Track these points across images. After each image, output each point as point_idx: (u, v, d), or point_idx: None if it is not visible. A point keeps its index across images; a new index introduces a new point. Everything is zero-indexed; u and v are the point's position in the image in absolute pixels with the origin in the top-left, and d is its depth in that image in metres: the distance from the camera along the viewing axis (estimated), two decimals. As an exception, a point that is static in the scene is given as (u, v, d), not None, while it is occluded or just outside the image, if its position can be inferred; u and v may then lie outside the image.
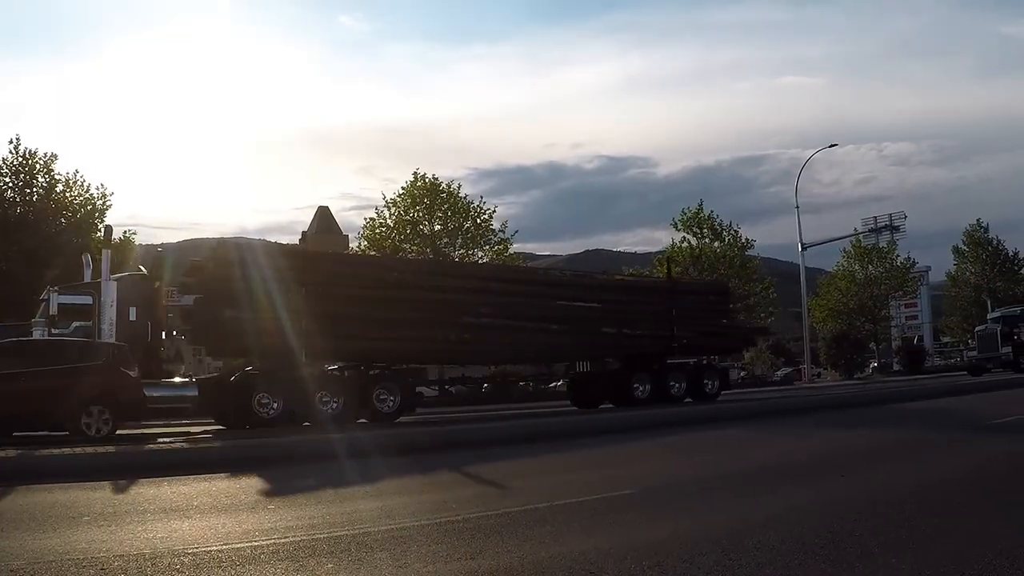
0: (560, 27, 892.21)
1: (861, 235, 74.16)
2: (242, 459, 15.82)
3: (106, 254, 22.84)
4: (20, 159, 44.51)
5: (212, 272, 24.34)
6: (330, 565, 6.89)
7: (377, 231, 55.51)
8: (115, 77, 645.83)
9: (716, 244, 67.03)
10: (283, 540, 7.99)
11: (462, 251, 54.90)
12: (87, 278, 24.91)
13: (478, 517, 8.87)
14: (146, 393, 20.83)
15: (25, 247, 41.17)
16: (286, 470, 14.54)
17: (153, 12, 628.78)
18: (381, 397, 24.60)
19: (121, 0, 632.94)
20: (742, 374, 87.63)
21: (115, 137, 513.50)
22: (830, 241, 76.18)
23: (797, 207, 69.55)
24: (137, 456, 15.95)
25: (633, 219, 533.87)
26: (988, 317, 59.25)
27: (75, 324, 22.52)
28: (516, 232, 58.23)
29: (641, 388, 30.25)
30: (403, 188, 56.20)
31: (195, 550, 7.57)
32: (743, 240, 68.17)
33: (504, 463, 15.40)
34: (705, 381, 31.90)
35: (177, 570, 6.83)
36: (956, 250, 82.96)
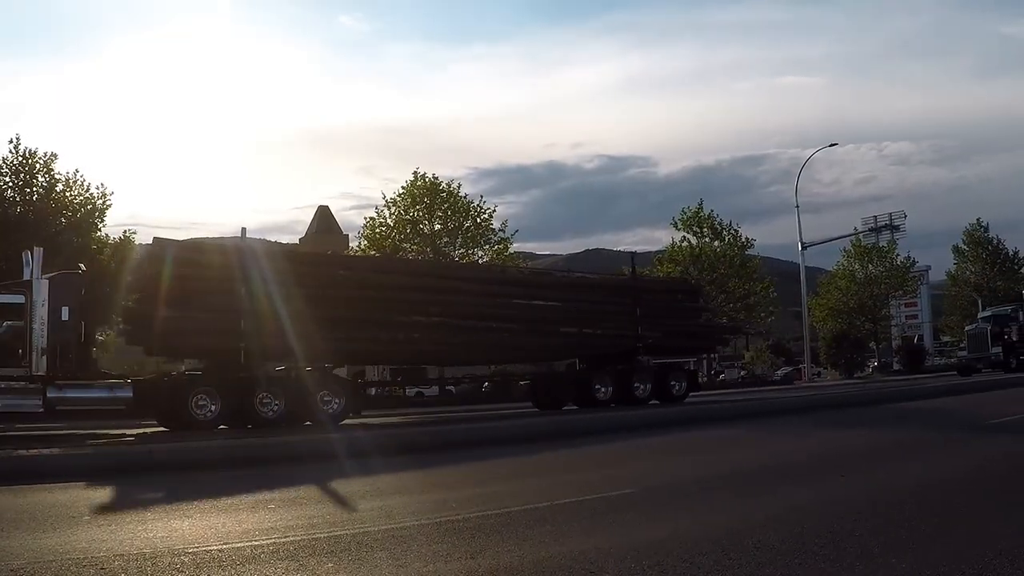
0: (560, 27, 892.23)
1: (861, 234, 74.20)
2: (241, 459, 15.83)
3: (38, 252, 22.16)
4: (20, 159, 44.41)
5: (148, 271, 23.87)
6: (330, 564, 6.89)
7: (377, 231, 55.52)
8: (115, 77, 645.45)
9: (716, 244, 67.02)
10: (283, 540, 7.99)
11: (462, 250, 54.95)
12: (27, 276, 24.21)
13: (478, 517, 8.87)
14: (78, 395, 20.60)
15: (24, 247, 41.08)
16: (286, 470, 14.54)
17: (153, 12, 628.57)
18: (326, 399, 23.77)
19: (121, 0, 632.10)
20: (742, 373, 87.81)
21: (115, 137, 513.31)
22: (830, 240, 76.25)
23: (797, 206, 69.69)
24: (135, 456, 15.93)
25: (633, 219, 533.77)
26: (978, 316, 58.82)
27: (6, 323, 21.86)
28: (516, 232, 58.21)
29: (603, 389, 29.17)
30: (403, 188, 56.23)
31: (195, 549, 7.57)
32: (743, 240, 68.16)
33: (504, 462, 15.42)
34: (672, 382, 30.89)
35: (177, 569, 6.83)
36: (956, 249, 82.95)
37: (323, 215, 68.37)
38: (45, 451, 15.90)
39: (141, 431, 22.13)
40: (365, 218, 57.96)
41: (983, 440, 16.06)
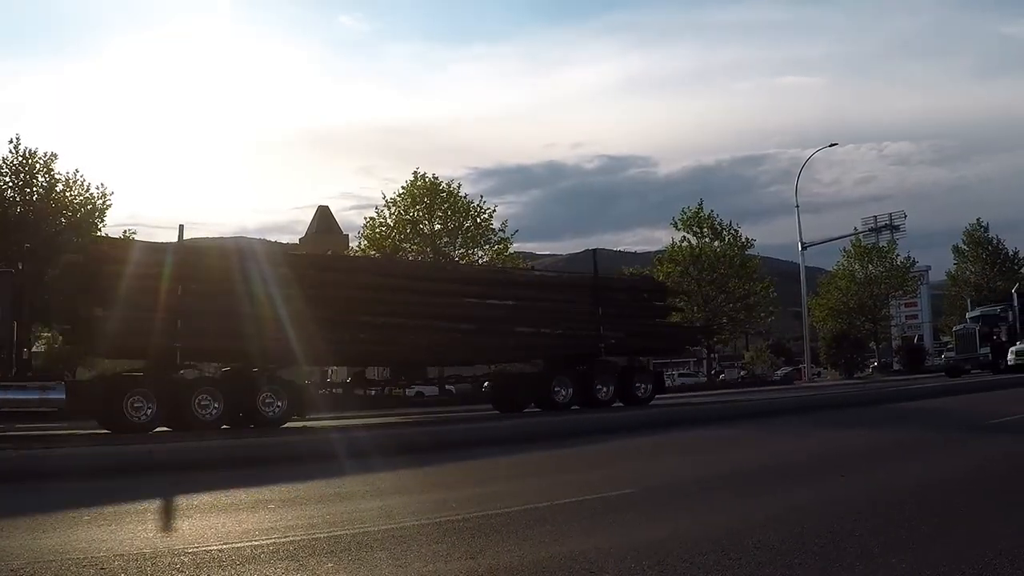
0: (560, 27, 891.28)
1: (861, 234, 74.22)
2: (242, 459, 15.85)
3: None
4: (20, 159, 44.49)
5: (84, 269, 23.53)
6: (330, 564, 6.89)
7: (377, 231, 55.66)
8: (115, 77, 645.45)
9: (716, 244, 67.12)
10: (283, 540, 7.99)
11: (462, 250, 55.05)
12: None
13: (478, 517, 8.87)
14: (5, 396, 20.25)
15: (24, 247, 41.12)
16: (286, 470, 14.55)
17: (153, 12, 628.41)
18: (267, 401, 23.24)
19: (121, 0, 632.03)
20: (742, 373, 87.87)
21: (115, 137, 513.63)
22: (830, 240, 76.35)
23: (797, 206, 69.78)
24: (135, 456, 15.93)
25: (633, 219, 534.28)
26: (967, 316, 58.09)
27: None
28: (516, 231, 58.39)
29: (563, 392, 28.30)
30: (403, 188, 56.34)
31: (195, 549, 7.56)
32: (743, 240, 68.28)
33: (503, 462, 15.41)
34: (637, 384, 30.04)
35: (177, 569, 6.83)
36: (956, 249, 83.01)
37: (323, 215, 68.52)
38: (44, 451, 15.91)
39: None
40: (365, 218, 58.16)
41: (983, 440, 16.05)
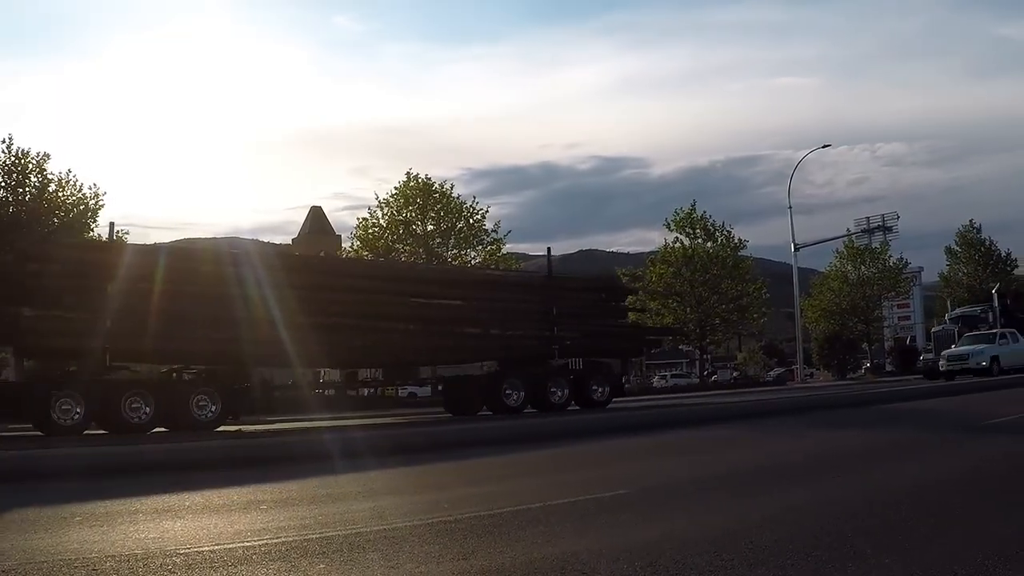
0: (558, 27, 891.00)
1: (854, 236, 74.39)
2: (236, 459, 15.82)
3: None
4: (12, 159, 44.48)
5: (10, 268, 23.20)
6: (322, 566, 6.86)
7: (370, 231, 55.64)
8: (114, 77, 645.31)
9: (709, 244, 67.27)
10: (275, 540, 7.96)
11: (455, 251, 55.09)
12: None
13: (470, 517, 8.84)
14: None
15: (17, 247, 41.02)
16: (280, 470, 14.51)
17: (153, 12, 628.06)
18: (201, 404, 22.71)
19: (121, 0, 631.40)
20: (735, 374, 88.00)
21: (112, 136, 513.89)
22: (823, 242, 76.61)
23: (790, 207, 69.85)
24: (128, 456, 15.88)
25: (627, 219, 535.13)
26: (946, 317, 57.76)
27: None
28: (509, 232, 58.37)
29: (514, 395, 27.50)
30: (396, 188, 56.36)
31: (187, 550, 7.53)
32: (736, 240, 68.44)
33: (496, 462, 15.42)
34: (594, 387, 29.43)
35: (169, 570, 6.80)
36: (949, 251, 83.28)
37: (316, 216, 68.29)
38: (37, 451, 15.87)
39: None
40: (358, 219, 58.09)
41: (979, 441, 16.06)
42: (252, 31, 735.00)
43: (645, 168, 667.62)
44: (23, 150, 44.84)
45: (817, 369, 79.50)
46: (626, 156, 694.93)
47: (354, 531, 8.27)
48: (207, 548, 7.63)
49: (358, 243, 56.16)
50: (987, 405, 24.44)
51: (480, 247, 55.87)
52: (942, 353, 47.36)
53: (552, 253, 32.56)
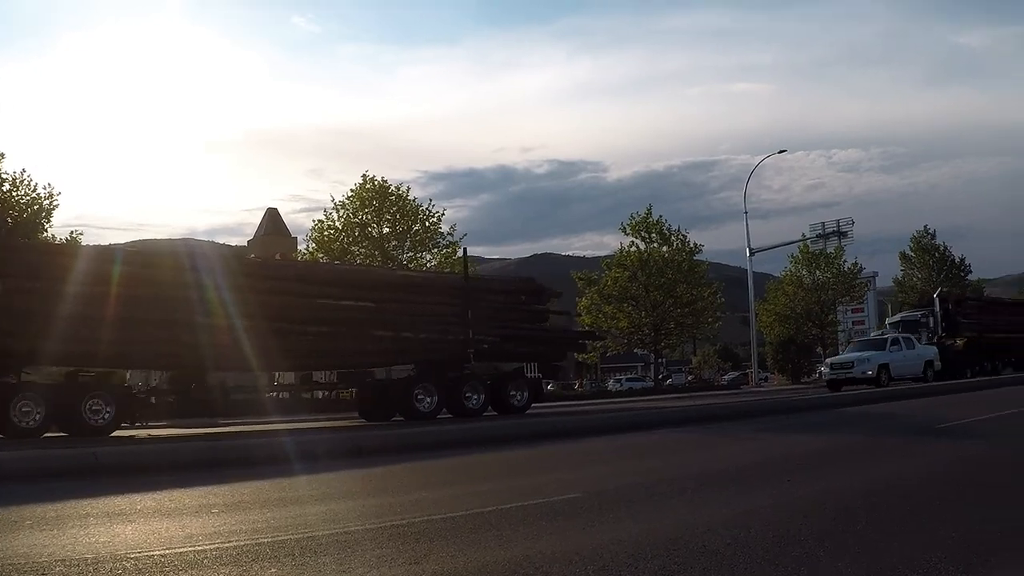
0: (511, 30, 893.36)
1: (809, 240, 75.02)
2: (189, 462, 15.71)
3: None
4: (-35, 159, 44.04)
5: None
6: (274, 570, 6.83)
7: (325, 233, 55.38)
8: (68, 76, 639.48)
9: (664, 249, 67.65)
10: (226, 544, 7.91)
11: (411, 254, 54.97)
12: None
13: (424, 521, 8.83)
14: None
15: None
16: (233, 473, 14.42)
17: (107, 10, 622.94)
18: (94, 408, 22.21)
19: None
20: (690, 378, 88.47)
21: (64, 136, 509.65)
22: (778, 246, 77.29)
23: (746, 212, 70.55)
24: (79, 459, 15.69)
25: (583, 223, 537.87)
26: (887, 321, 57.42)
27: None
28: (465, 235, 58.45)
29: (427, 400, 27.11)
30: (352, 190, 56.15)
31: (137, 555, 7.47)
32: (691, 245, 68.89)
33: (452, 465, 15.42)
34: (512, 392, 29.25)
35: (119, 575, 6.76)
36: (903, 256, 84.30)
37: (272, 217, 67.72)
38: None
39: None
40: (313, 221, 57.79)
41: (933, 444, 16.20)
42: (208, 31, 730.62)
43: (601, 172, 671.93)
44: (-25, 150, 44.43)
45: (772, 373, 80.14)
46: (582, 160, 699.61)
47: (307, 535, 8.25)
48: (158, 552, 7.58)
49: (314, 245, 55.85)
50: (939, 408, 24.65)
51: (436, 250, 55.81)
52: (826, 360, 46.20)
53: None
